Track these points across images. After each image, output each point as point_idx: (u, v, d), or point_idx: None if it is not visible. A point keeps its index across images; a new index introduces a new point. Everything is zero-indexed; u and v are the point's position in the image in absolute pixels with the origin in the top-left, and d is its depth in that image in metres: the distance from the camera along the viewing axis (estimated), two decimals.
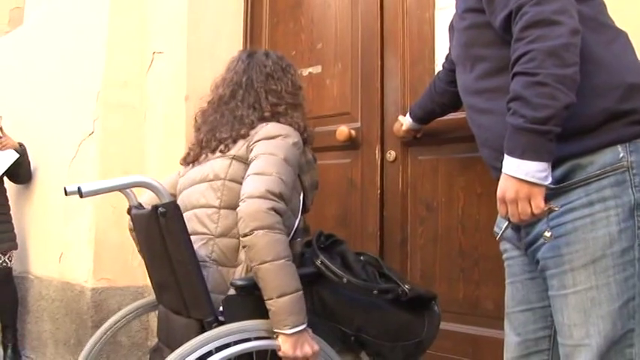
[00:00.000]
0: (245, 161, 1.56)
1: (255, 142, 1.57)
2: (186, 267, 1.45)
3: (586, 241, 1.15)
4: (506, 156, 1.13)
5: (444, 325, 1.74)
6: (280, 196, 1.44)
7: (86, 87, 2.94)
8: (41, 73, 3.36)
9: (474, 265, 1.98)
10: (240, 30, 2.85)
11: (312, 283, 1.48)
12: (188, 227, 1.56)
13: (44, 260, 3.17)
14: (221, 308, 1.45)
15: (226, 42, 2.80)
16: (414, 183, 2.16)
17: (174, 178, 1.80)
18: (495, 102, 1.24)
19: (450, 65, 1.72)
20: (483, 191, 1.96)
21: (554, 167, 1.14)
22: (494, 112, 1.25)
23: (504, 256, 1.41)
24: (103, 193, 1.41)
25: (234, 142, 1.61)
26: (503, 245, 1.40)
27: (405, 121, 1.99)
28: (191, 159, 1.73)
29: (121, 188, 1.50)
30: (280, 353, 1.41)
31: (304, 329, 1.40)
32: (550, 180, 1.11)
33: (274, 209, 1.41)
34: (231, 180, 1.55)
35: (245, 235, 1.40)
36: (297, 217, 1.58)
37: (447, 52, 1.76)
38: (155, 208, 1.44)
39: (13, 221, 3.25)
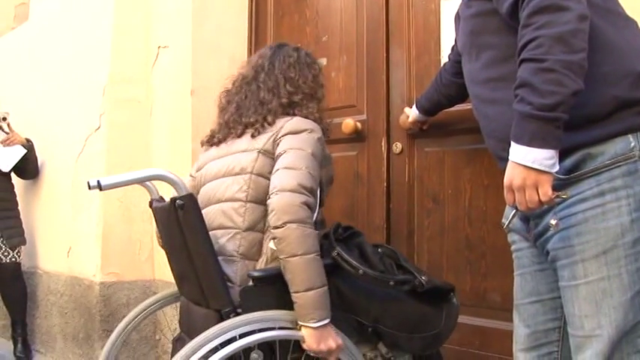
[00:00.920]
0: (272, 155, 1.57)
1: (282, 136, 1.58)
2: (204, 258, 1.48)
3: (597, 232, 1.14)
4: (513, 143, 1.12)
5: None
6: (311, 191, 1.46)
7: (92, 82, 2.94)
8: (47, 68, 3.37)
9: (480, 257, 1.98)
10: (245, 23, 2.84)
11: (329, 274, 1.49)
12: (214, 221, 1.59)
13: (52, 255, 3.19)
14: None
15: (231, 35, 2.80)
16: (421, 175, 2.15)
17: (188, 181, 1.79)
18: (502, 91, 1.23)
19: (455, 57, 1.72)
20: (490, 183, 1.95)
21: (564, 157, 1.13)
22: (501, 102, 1.24)
23: (513, 247, 1.40)
24: (122, 186, 1.44)
25: (262, 127, 1.62)
26: (512, 237, 1.40)
27: (412, 113, 1.98)
28: (217, 140, 1.73)
29: (140, 181, 1.52)
30: (305, 346, 1.42)
31: (328, 323, 1.42)
32: (557, 168, 1.10)
33: (306, 203, 1.43)
34: (258, 174, 1.56)
35: (276, 228, 1.41)
36: (316, 209, 1.58)
37: (453, 43, 1.75)
38: (173, 200, 1.46)
39: (21, 216, 3.27)
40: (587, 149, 1.16)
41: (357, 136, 2.31)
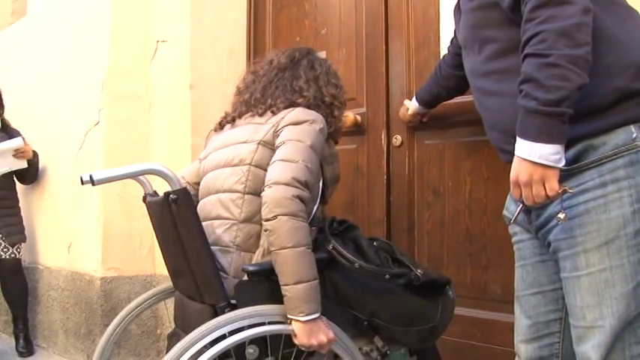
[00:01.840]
0: (271, 147, 1.56)
1: (283, 127, 1.56)
2: (198, 252, 1.47)
3: (599, 223, 1.14)
4: (518, 139, 1.12)
5: None
6: (305, 184, 1.45)
7: (91, 77, 2.93)
8: (46, 64, 3.35)
9: (481, 249, 1.98)
10: (244, 17, 2.83)
11: (324, 268, 1.49)
12: (212, 212, 1.58)
13: (53, 251, 3.19)
14: None
15: (230, 29, 2.79)
16: (421, 168, 2.15)
17: (195, 165, 1.80)
18: (504, 83, 1.23)
19: (455, 49, 1.71)
20: (490, 175, 1.95)
21: (566, 148, 1.13)
22: (504, 94, 1.23)
23: (514, 239, 1.40)
24: (114, 180, 1.43)
25: (278, 109, 1.62)
26: (513, 229, 1.40)
27: (411, 106, 1.98)
28: (229, 120, 1.73)
29: (132, 176, 1.51)
30: (295, 340, 1.42)
31: (318, 317, 1.41)
32: (563, 162, 1.10)
33: (299, 197, 1.42)
34: (257, 166, 1.55)
35: (267, 220, 1.41)
36: (316, 204, 1.58)
37: (453, 35, 1.74)
38: (167, 195, 1.46)
39: (22, 213, 3.27)
40: (589, 140, 1.15)
41: (357, 129, 2.30)
